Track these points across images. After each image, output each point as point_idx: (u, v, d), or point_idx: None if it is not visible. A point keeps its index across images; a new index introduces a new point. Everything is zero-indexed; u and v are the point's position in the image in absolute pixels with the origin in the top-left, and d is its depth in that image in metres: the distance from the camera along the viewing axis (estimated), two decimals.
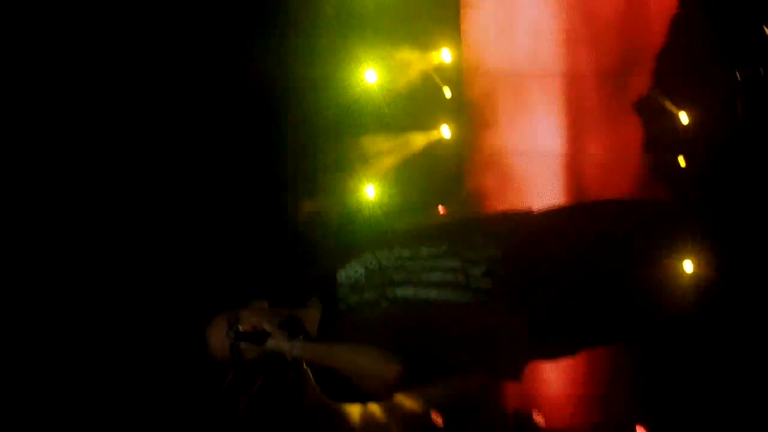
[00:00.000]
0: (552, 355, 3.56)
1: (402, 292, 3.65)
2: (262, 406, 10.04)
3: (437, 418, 11.12)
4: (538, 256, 3.58)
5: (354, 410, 10.18)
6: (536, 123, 12.36)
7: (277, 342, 3.57)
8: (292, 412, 10.17)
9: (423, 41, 11.51)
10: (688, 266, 3.32)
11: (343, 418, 10.00)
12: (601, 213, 3.75)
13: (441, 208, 11.55)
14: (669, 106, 12.15)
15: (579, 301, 3.51)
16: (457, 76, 11.94)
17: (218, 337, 3.72)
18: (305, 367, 3.76)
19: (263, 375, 9.78)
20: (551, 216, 3.71)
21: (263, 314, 3.64)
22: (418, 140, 11.54)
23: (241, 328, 3.57)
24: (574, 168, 12.25)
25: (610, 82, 11.99)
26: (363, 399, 3.67)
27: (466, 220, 3.63)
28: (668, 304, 3.58)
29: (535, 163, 12.24)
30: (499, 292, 3.55)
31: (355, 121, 10.95)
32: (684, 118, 12.11)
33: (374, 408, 10.53)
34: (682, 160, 12.16)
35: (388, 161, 11.25)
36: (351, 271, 3.68)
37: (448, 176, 12.22)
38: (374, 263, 3.66)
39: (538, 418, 11.34)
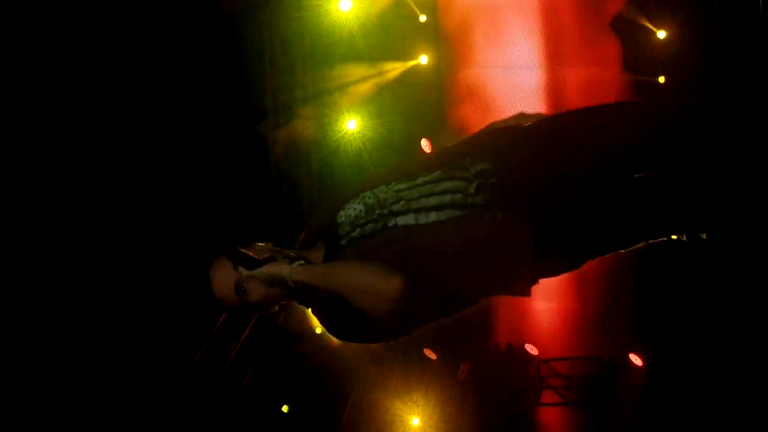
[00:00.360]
0: (552, 265, 3.54)
1: (403, 220, 3.62)
2: (253, 356, 10.15)
3: (431, 354, 11.18)
4: (527, 162, 3.56)
5: (351, 352, 10.23)
6: (514, 51, 12.31)
7: (278, 264, 3.52)
8: (283, 360, 10.23)
9: None
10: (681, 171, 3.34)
11: (340, 361, 10.07)
12: (584, 115, 3.73)
13: (425, 141, 11.51)
14: (646, 23, 12.13)
15: (575, 204, 3.50)
16: (432, 2, 11.86)
17: (224, 276, 3.65)
18: (308, 309, 3.73)
19: (255, 320, 9.87)
20: (535, 125, 3.70)
21: (268, 250, 3.61)
22: (396, 69, 11.49)
23: (242, 250, 3.52)
24: (555, 94, 12.22)
25: (587, 4, 11.95)
26: (370, 333, 3.63)
27: (453, 146, 3.61)
28: (661, 207, 3.57)
29: (516, 92, 12.21)
30: (495, 203, 3.54)
31: (330, 51, 10.88)
32: (662, 35, 12.11)
33: (373, 347, 10.61)
34: (661, 78, 12.18)
35: (366, 91, 11.20)
36: (350, 210, 3.66)
37: (430, 106, 12.19)
38: (372, 198, 3.65)
39: (531, 350, 11.40)
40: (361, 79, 11.09)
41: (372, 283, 3.45)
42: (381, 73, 11.27)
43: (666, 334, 10.95)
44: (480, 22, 12.19)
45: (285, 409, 10.44)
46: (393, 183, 3.68)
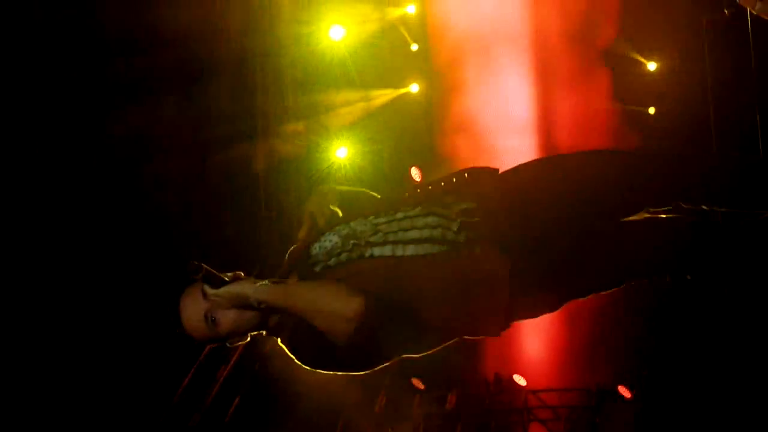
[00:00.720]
0: (532, 307, 3.50)
1: (379, 251, 3.58)
2: (239, 384, 10.11)
3: (418, 384, 11.14)
4: (511, 204, 3.54)
5: (338, 381, 10.18)
6: (505, 84, 12.35)
7: (242, 283, 3.50)
8: (270, 388, 10.18)
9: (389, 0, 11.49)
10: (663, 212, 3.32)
11: (328, 390, 10.02)
12: (571, 161, 3.71)
13: (415, 169, 11.52)
14: (635, 55, 12.18)
15: (556, 247, 3.47)
16: (423, 31, 11.89)
17: (193, 306, 3.63)
18: (278, 341, 3.69)
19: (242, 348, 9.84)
20: (521, 168, 3.68)
21: (236, 276, 3.58)
22: (386, 96, 11.51)
23: (207, 268, 3.50)
24: (546, 127, 12.26)
25: (578, 37, 11.98)
26: (336, 360, 3.59)
27: (434, 184, 3.58)
28: (644, 252, 3.55)
29: (506, 123, 12.24)
30: (476, 241, 3.50)
31: (321, 78, 10.91)
32: (652, 66, 12.15)
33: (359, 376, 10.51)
34: (651, 109, 12.21)
35: (356, 117, 11.22)
36: (325, 242, 3.63)
37: (419, 135, 12.21)
38: (347, 230, 3.62)
39: (519, 381, 11.37)
40: (352, 105, 11.11)
41: (331, 303, 3.42)
42: (371, 100, 11.30)
43: (655, 367, 10.95)
44: (472, 53, 12.23)
45: None
46: (371, 217, 3.65)
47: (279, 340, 3.64)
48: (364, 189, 3.87)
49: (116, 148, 9.04)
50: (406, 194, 3.67)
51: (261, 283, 3.51)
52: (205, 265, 3.51)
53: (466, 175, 3.65)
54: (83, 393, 8.74)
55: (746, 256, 3.62)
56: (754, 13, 4.99)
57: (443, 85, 12.12)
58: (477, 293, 3.48)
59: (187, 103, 9.55)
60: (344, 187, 3.82)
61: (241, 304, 3.52)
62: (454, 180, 3.65)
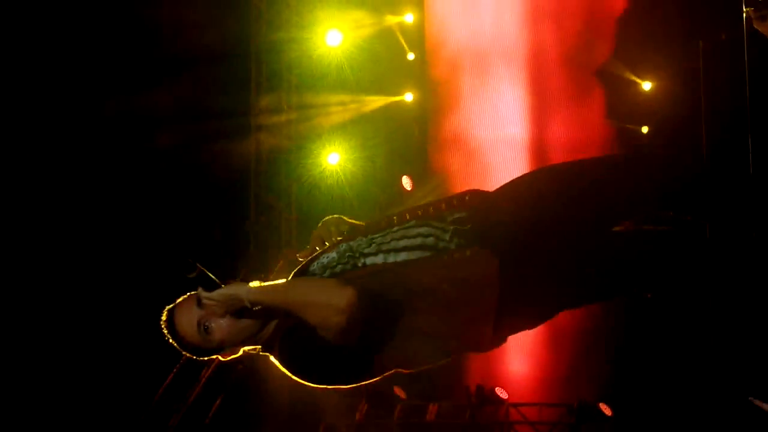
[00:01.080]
0: (524, 316, 3.51)
1: (371, 260, 3.61)
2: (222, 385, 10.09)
3: (400, 392, 11.14)
4: (504, 214, 3.57)
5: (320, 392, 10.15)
6: (500, 101, 12.38)
7: (235, 285, 3.52)
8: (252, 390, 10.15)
9: (388, 8, 11.50)
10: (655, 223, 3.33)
11: (310, 394, 10.01)
12: (563, 171, 3.75)
13: (407, 178, 11.54)
14: (629, 75, 12.23)
15: (549, 255, 3.49)
16: (420, 41, 11.91)
17: (187, 314, 3.63)
18: (270, 356, 3.70)
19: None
20: (513, 182, 3.71)
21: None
22: (380, 102, 11.52)
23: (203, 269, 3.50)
24: (539, 145, 12.27)
25: (573, 55, 12.02)
26: (331, 371, 3.60)
27: (429, 202, 3.62)
28: (634, 262, 3.56)
29: (500, 141, 12.25)
30: (468, 245, 3.53)
31: (317, 81, 10.92)
32: (647, 86, 12.20)
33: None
34: (645, 128, 12.26)
35: (349, 123, 11.24)
36: (323, 259, 3.68)
37: (412, 144, 12.23)
38: (345, 246, 3.66)
39: (501, 394, 11.35)
40: (345, 106, 11.12)
41: (323, 295, 3.45)
42: (365, 104, 11.31)
43: (636, 386, 10.96)
44: (467, 67, 12.25)
45: None
46: (370, 235, 3.69)
47: (272, 357, 3.64)
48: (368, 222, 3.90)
49: (107, 136, 9.04)
50: (406, 214, 3.70)
51: (254, 283, 3.52)
52: (200, 265, 3.53)
53: (467, 197, 3.67)
54: (65, 390, 8.74)
55: (701, 270, 3.64)
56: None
57: (438, 98, 12.15)
58: (466, 294, 3.50)
59: (179, 94, 9.55)
60: (351, 220, 3.85)
61: (235, 307, 3.53)
62: (455, 202, 3.67)
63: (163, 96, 9.43)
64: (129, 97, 9.18)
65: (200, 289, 3.53)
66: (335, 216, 3.86)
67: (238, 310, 3.55)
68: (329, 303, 3.41)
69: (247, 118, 10.61)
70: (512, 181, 3.75)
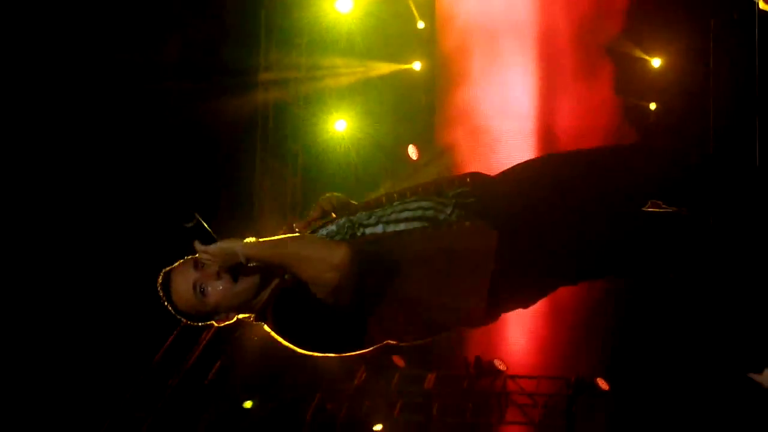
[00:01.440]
0: (522, 292, 3.50)
1: (371, 230, 3.62)
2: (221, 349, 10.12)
3: (399, 361, 11.16)
4: (507, 191, 3.58)
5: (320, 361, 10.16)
6: (509, 77, 12.34)
7: (229, 241, 3.54)
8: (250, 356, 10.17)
9: None
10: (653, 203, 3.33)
11: (308, 361, 10.03)
12: (568, 157, 3.76)
13: (413, 147, 11.52)
14: (638, 53, 12.19)
15: (549, 231, 3.49)
16: (431, 10, 11.86)
17: (183, 276, 3.64)
18: (264, 325, 3.72)
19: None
20: (518, 165, 3.73)
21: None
22: (388, 68, 11.47)
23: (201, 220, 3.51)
24: (547, 121, 12.24)
25: (583, 32, 11.98)
26: (323, 339, 3.61)
27: (439, 181, 3.64)
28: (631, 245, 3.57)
29: (507, 118, 12.23)
30: (468, 217, 3.53)
31: (327, 46, 10.89)
32: (656, 63, 12.17)
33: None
34: (653, 105, 12.23)
35: (357, 88, 11.20)
36: (323, 231, 3.71)
37: (419, 113, 12.20)
38: (345, 220, 3.69)
39: (500, 365, 11.38)
40: (353, 72, 11.09)
41: (317, 251, 3.47)
42: (372, 69, 11.27)
43: (635, 362, 10.99)
44: (478, 42, 12.21)
45: (248, 404, 10.39)
46: (371, 210, 3.70)
47: (266, 326, 3.65)
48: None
49: (111, 87, 9.02)
50: (407, 191, 3.71)
51: (249, 239, 3.54)
52: (198, 215, 3.54)
53: (468, 179, 3.68)
54: (64, 350, 8.76)
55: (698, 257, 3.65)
56: None
57: (447, 72, 12.10)
58: (462, 265, 3.50)
59: (187, 46, 9.52)
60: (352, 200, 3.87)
61: (230, 262, 3.54)
62: (456, 181, 3.68)
63: (170, 48, 9.41)
64: (135, 48, 9.16)
65: (196, 242, 3.54)
66: (338, 193, 3.88)
67: (234, 268, 3.57)
68: (323, 258, 3.43)
69: (255, 76, 10.58)
70: (516, 166, 3.75)
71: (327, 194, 3.85)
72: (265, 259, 3.56)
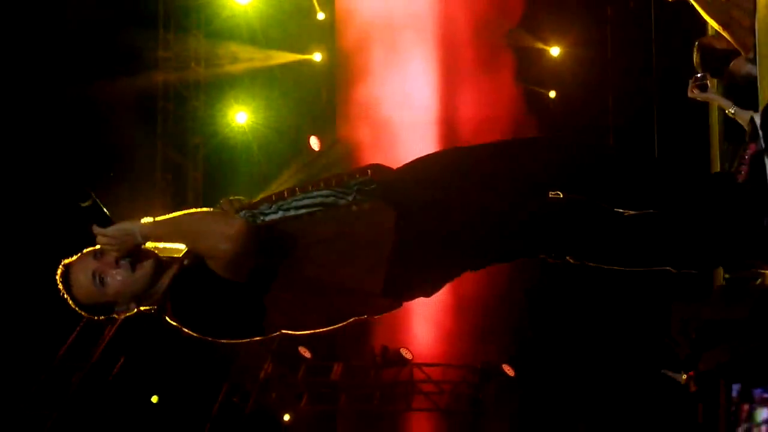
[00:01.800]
0: (416, 280, 3.52)
1: (270, 217, 3.65)
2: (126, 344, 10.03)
3: (305, 352, 11.16)
4: (408, 179, 3.60)
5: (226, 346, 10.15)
6: (410, 70, 12.38)
7: (125, 222, 3.54)
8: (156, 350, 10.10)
9: None
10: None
11: (215, 354, 9.99)
12: (472, 148, 3.81)
13: (315, 138, 11.50)
14: (536, 43, 12.31)
15: (450, 217, 3.51)
16: (331, 2, 11.82)
17: (82, 266, 3.60)
18: (165, 317, 3.69)
19: None
20: (420, 159, 3.77)
21: None
22: (288, 58, 11.41)
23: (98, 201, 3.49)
24: (449, 119, 12.30)
25: (483, 23, 12.05)
26: (221, 322, 3.60)
27: (339, 175, 3.67)
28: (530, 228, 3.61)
29: (410, 109, 12.26)
30: (367, 200, 3.55)
31: (225, 36, 10.81)
32: (554, 51, 12.30)
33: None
34: (552, 93, 12.37)
35: (257, 79, 11.14)
36: None
37: (320, 104, 12.18)
38: (246, 212, 3.69)
39: (406, 354, 11.44)
40: (252, 60, 11.02)
41: (213, 223, 3.49)
42: (272, 59, 11.21)
43: (538, 348, 11.14)
44: (379, 34, 12.22)
45: (155, 399, 10.33)
46: (272, 203, 3.70)
47: (166, 317, 3.63)
48: None
49: None
50: (309, 185, 3.72)
51: (145, 219, 3.53)
52: (94, 195, 3.52)
53: (369, 171, 3.69)
54: None
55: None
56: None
57: (348, 63, 12.09)
58: (360, 244, 3.51)
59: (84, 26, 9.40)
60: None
61: (128, 243, 3.52)
62: (357, 174, 3.69)
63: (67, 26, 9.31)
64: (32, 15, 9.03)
65: (94, 225, 3.51)
66: (240, 196, 3.88)
67: (132, 252, 3.55)
68: (219, 230, 3.42)
69: (154, 61, 10.47)
70: (420, 157, 3.78)
71: (230, 197, 3.85)
72: (163, 235, 3.55)
